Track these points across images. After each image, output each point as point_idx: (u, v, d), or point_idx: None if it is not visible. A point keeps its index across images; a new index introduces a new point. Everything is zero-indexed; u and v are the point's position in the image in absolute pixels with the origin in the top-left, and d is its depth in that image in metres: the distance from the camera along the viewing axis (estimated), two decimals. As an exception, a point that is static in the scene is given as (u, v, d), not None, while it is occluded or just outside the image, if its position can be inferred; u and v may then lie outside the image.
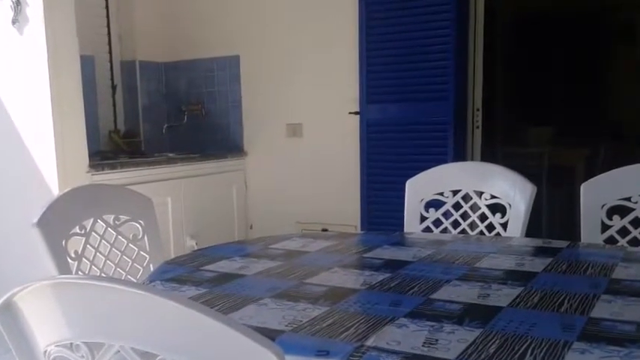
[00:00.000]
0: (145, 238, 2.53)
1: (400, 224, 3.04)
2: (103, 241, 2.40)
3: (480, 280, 1.88)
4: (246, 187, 5.69)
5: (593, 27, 7.17)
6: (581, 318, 1.52)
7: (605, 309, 1.58)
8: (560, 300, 1.66)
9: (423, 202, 3.01)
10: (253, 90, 5.63)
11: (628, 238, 2.62)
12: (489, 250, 2.36)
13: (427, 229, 2.96)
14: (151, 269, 2.41)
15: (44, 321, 1.05)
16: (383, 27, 4.80)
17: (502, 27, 7.32)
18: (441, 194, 3.00)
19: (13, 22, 3.95)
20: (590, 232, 2.68)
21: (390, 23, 4.77)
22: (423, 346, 1.36)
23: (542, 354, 1.30)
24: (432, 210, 2.98)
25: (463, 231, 2.93)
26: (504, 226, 2.82)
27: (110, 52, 5.62)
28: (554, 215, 6.25)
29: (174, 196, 4.85)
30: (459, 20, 4.63)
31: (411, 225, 3.00)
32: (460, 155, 4.72)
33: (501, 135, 6.91)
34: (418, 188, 3.05)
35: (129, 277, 2.44)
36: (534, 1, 7.42)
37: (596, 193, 2.73)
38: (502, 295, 1.71)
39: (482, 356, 1.31)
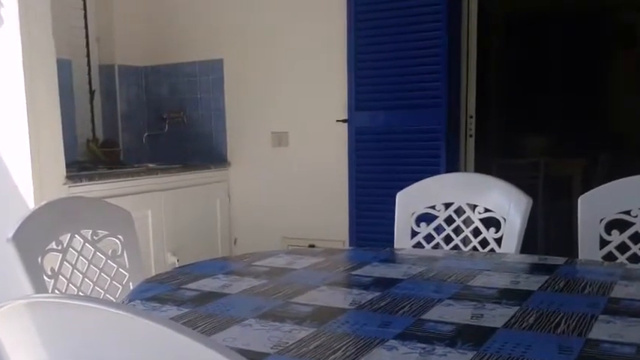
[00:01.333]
0: (125, 254, 2.53)
1: (390, 239, 3.04)
2: (80, 257, 2.40)
3: (473, 300, 1.88)
4: (230, 200, 5.68)
5: (593, 31, 7.19)
6: (578, 339, 1.53)
7: (603, 330, 1.59)
8: (556, 320, 1.67)
9: (414, 216, 3.01)
10: (237, 96, 5.62)
11: (627, 254, 2.63)
12: (483, 267, 2.37)
13: (418, 245, 2.97)
14: (131, 287, 2.41)
15: (19, 342, 1.04)
16: (372, 29, 4.81)
17: (497, 30, 7.34)
18: (433, 207, 3.01)
19: (-13, 24, 3.94)
20: (588, 248, 2.69)
21: (380, 25, 4.78)
22: (414, 369, 1.37)
23: (537, 378, 1.31)
24: (423, 224, 2.99)
25: (456, 247, 2.94)
26: (499, 241, 2.82)
27: (88, 56, 5.59)
28: (550, 230, 6.26)
29: (154, 209, 4.84)
30: (451, 23, 4.64)
31: (402, 240, 3.00)
32: (453, 165, 4.72)
33: (496, 144, 6.94)
34: (409, 201, 3.06)
35: (107, 296, 2.44)
36: (530, 3, 7.45)
37: (594, 207, 2.74)
38: (496, 316, 1.72)
39: (476, 381, 1.31)
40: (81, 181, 4.25)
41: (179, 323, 0.91)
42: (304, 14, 5.23)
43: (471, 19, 4.79)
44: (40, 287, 2.11)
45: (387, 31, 4.76)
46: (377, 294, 1.97)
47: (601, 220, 2.69)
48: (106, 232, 2.52)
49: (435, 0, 4.59)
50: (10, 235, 2.09)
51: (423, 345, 1.50)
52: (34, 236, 2.21)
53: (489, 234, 2.86)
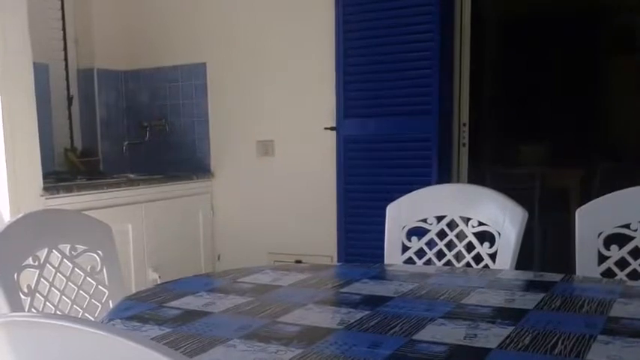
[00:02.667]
0: (104, 270, 2.52)
1: (380, 254, 3.04)
2: (58, 274, 2.39)
3: (466, 319, 1.89)
4: (213, 213, 5.67)
5: (591, 35, 7.20)
6: (575, 362, 1.53)
7: (602, 351, 1.59)
8: (553, 341, 1.67)
9: (405, 230, 3.01)
10: (221, 102, 5.62)
11: (627, 270, 2.63)
12: (477, 284, 2.37)
13: (409, 260, 2.97)
14: (111, 305, 2.40)
15: (-7, 365, 1.04)
16: (361, 31, 4.82)
17: (491, 35, 7.35)
18: (425, 221, 3.01)
19: (-40, 27, 3.91)
20: (586, 264, 2.69)
21: (369, 27, 4.79)
22: (405, 393, 1.37)
23: (533, 403, 1.31)
24: (414, 239, 2.99)
25: (448, 262, 2.94)
26: (493, 256, 2.83)
27: (66, 59, 5.57)
28: (547, 244, 6.25)
29: (135, 222, 4.82)
30: (444, 27, 4.65)
31: (392, 255, 3.00)
32: (445, 176, 4.73)
33: (490, 153, 6.92)
34: (399, 214, 3.05)
35: (86, 314, 2.43)
36: (526, 7, 7.45)
37: (593, 220, 2.73)
38: (490, 336, 1.72)
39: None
40: (58, 193, 4.24)
41: (161, 344, 0.91)
42: (291, 17, 5.23)
43: (464, 22, 4.79)
44: (15, 305, 2.09)
45: (376, 33, 4.77)
46: (366, 313, 1.97)
47: (599, 234, 2.69)
48: (85, 247, 2.51)
49: (427, 1, 4.60)
50: (-15, 250, 2.09)
51: (415, 367, 1.50)
52: (10, 251, 2.20)
53: (483, 249, 2.86)
